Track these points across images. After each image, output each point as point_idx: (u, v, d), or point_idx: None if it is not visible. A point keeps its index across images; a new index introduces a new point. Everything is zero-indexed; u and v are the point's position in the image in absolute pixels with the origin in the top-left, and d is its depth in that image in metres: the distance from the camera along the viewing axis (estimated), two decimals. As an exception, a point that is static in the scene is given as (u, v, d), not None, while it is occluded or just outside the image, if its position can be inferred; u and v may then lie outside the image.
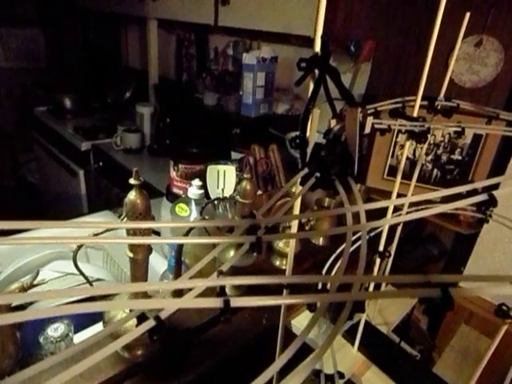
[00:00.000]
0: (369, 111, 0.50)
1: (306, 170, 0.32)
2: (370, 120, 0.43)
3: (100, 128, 2.08)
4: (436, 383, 0.66)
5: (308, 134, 0.36)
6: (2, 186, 2.97)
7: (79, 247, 0.52)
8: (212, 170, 0.97)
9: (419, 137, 0.50)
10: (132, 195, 0.50)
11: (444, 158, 1.18)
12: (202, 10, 1.46)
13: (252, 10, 1.30)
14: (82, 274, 0.52)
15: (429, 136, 0.50)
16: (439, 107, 0.59)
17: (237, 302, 0.17)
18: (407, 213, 0.69)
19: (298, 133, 0.40)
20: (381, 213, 0.67)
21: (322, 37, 0.35)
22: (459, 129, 0.49)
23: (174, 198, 0.98)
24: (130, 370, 0.60)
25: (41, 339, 0.67)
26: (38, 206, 2.64)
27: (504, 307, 0.48)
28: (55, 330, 0.68)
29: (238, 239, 0.23)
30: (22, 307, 0.84)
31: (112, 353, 0.56)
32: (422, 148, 0.70)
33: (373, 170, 1.26)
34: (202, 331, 0.70)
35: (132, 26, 2.66)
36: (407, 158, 1.23)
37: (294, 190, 0.89)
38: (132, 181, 0.49)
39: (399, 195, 0.69)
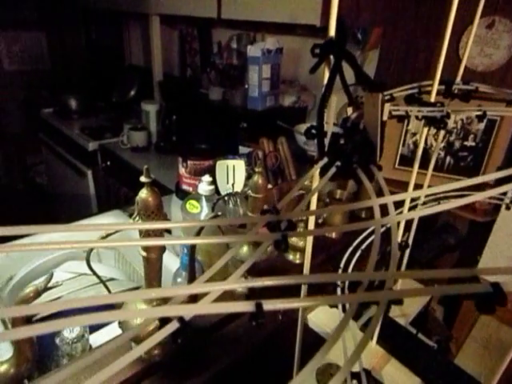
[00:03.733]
0: (386, 98, 0.48)
1: (325, 160, 0.31)
2: (387, 106, 0.41)
3: (106, 127, 2.08)
4: (458, 374, 0.64)
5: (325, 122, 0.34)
6: (11, 188, 3.00)
7: (92, 249, 0.51)
8: (221, 165, 0.95)
9: (438, 123, 0.48)
10: (143, 193, 0.49)
11: (457, 144, 1.16)
12: (205, 4, 1.44)
13: (255, 1, 1.28)
14: (95, 274, 0.52)
15: (448, 121, 0.48)
16: (456, 91, 0.57)
17: (270, 304, 0.16)
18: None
19: (308, 124, 0.38)
20: (396, 204, 0.65)
21: (338, 19, 0.33)
22: (480, 112, 0.47)
23: (183, 195, 0.98)
24: (148, 370, 0.59)
25: (57, 340, 0.67)
26: (47, 207, 2.66)
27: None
28: (71, 331, 0.68)
29: (261, 237, 0.22)
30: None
31: (128, 351, 0.54)
32: (437, 135, 0.68)
33: (384, 160, 1.24)
34: (218, 329, 0.70)
35: (134, 24, 2.65)
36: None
37: (306, 183, 0.88)
38: (143, 178, 0.48)
39: (415, 185, 0.67)
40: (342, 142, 0.33)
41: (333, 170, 0.30)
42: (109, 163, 1.88)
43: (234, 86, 1.58)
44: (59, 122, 2.27)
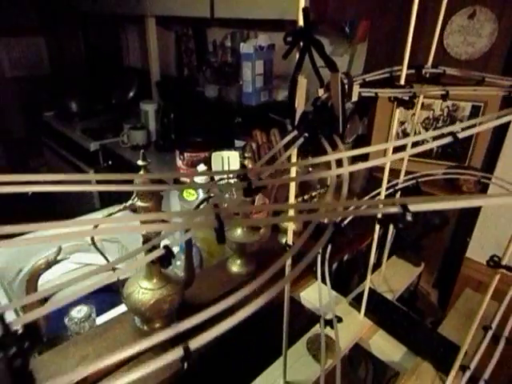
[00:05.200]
0: (357, 82, 0.52)
1: (295, 132, 0.36)
2: (356, 88, 0.46)
3: (107, 128, 2.13)
4: (440, 341, 0.68)
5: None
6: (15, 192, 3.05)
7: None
8: (216, 157, 1.00)
9: (407, 103, 0.52)
10: (141, 173, 0.53)
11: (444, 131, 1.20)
12: (198, 4, 1.48)
13: (246, 0, 1.33)
14: (101, 253, 0.57)
15: (416, 101, 0.53)
16: (428, 76, 0.61)
17: (228, 222, 0.21)
18: (404, 181, 0.71)
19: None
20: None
21: (304, 9, 0.38)
22: (444, 92, 0.51)
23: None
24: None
25: (66, 320, 0.72)
26: (51, 209, 2.71)
27: (495, 258, 0.50)
28: (79, 312, 0.73)
29: (233, 185, 0.26)
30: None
31: (132, 327, 0.60)
32: (414, 115, 0.72)
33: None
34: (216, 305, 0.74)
35: (131, 27, 2.70)
36: (408, 135, 1.25)
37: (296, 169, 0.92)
38: (140, 162, 0.53)
39: (397, 171, 0.72)
40: (310, 117, 0.38)
41: (301, 139, 0.35)
42: (110, 162, 1.93)
43: (229, 82, 1.62)
44: (61, 125, 2.33)
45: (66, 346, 0.61)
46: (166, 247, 0.23)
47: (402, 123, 1.25)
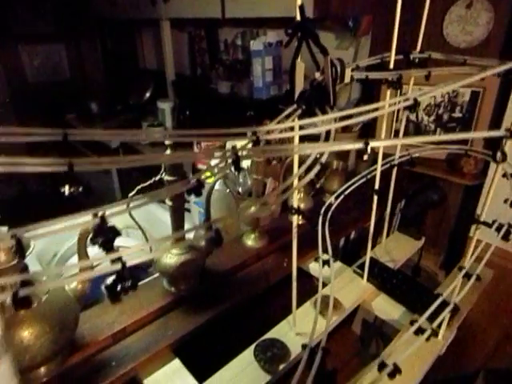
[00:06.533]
0: (350, 67, 0.60)
1: (294, 106, 0.44)
2: (348, 71, 0.54)
3: (126, 127, 2.25)
4: (435, 300, 0.76)
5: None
6: (39, 190, 3.22)
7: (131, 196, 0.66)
8: (230, 144, 1.09)
9: (395, 84, 0.60)
10: (168, 152, 0.63)
11: (445, 117, 1.26)
12: (210, 6, 1.58)
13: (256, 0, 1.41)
14: (138, 225, 0.66)
15: (404, 84, 0.60)
16: (417, 61, 0.68)
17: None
18: (400, 157, 0.79)
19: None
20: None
21: (300, 7, 0.46)
22: (426, 73, 0.58)
23: (199, 173, 1.12)
24: (176, 302, 0.73)
25: (103, 287, 0.82)
26: (76, 203, 2.86)
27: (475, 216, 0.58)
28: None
29: (244, 138, 0.35)
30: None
31: (161, 288, 0.72)
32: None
33: (379, 136, 1.35)
34: (233, 274, 0.83)
35: (146, 30, 2.82)
36: (411, 121, 1.32)
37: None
38: (167, 142, 0.62)
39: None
40: (307, 94, 0.46)
41: (299, 111, 0.43)
42: (130, 158, 2.04)
43: (240, 79, 1.71)
44: (82, 125, 2.47)
45: (106, 304, 0.71)
46: (197, 180, 0.31)
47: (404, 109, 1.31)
